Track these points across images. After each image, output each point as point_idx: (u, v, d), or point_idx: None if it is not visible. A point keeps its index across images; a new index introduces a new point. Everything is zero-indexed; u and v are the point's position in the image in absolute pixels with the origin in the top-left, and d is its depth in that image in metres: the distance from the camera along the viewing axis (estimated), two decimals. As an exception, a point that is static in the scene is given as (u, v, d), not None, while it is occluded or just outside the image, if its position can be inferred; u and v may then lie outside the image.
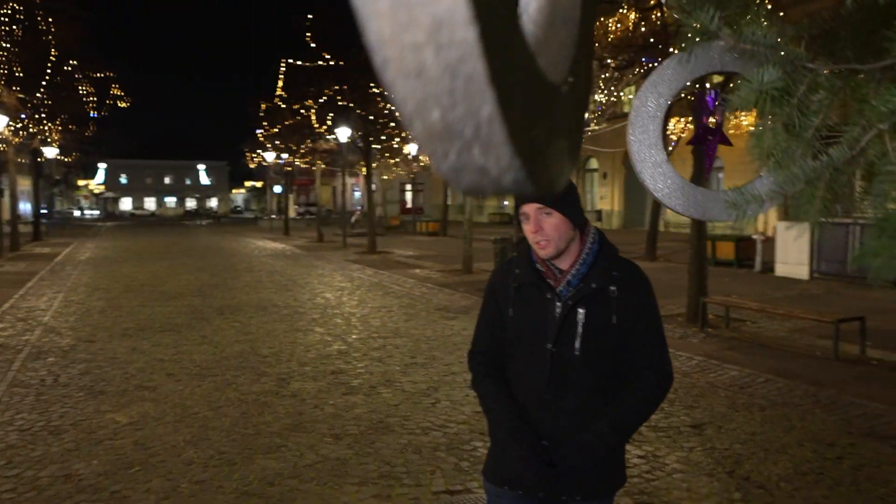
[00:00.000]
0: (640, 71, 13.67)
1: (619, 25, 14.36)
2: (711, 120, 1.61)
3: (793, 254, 14.72)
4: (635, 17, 13.24)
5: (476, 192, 0.52)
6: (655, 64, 14.71)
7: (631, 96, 20.99)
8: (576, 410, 2.09)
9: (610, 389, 2.11)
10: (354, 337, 8.92)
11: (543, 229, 2.03)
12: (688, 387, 6.51)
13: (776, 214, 26.64)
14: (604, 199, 34.85)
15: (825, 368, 7.15)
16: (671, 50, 14.46)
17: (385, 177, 39.67)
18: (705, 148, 1.60)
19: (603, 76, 15.61)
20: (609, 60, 13.51)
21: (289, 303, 11.93)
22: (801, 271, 14.51)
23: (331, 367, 7.33)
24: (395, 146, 27.54)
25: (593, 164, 35.53)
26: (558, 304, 2.08)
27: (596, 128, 20.06)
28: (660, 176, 1.56)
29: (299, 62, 23.54)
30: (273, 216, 48.83)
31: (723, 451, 4.88)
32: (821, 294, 12.29)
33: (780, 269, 15.00)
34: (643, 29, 12.62)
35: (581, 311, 2.06)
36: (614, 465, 2.16)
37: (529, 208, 2.06)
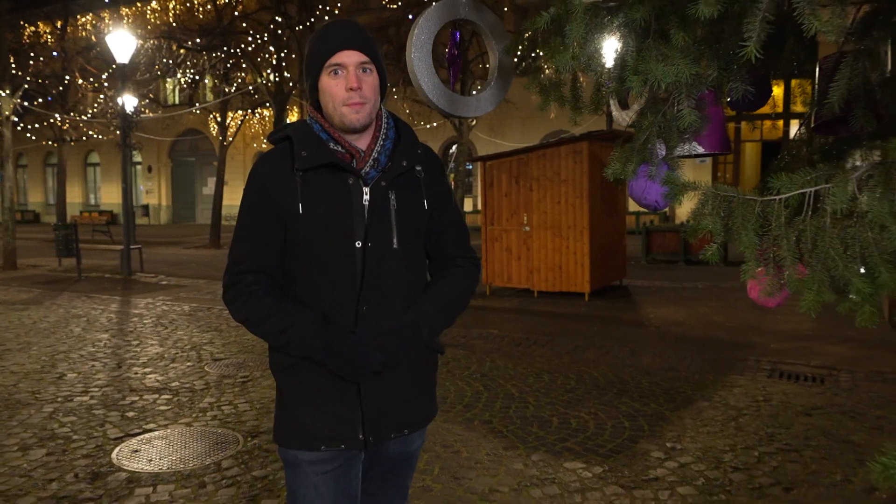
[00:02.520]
0: (218, 55, 13.99)
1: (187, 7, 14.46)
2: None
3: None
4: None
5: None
6: (229, 51, 15.32)
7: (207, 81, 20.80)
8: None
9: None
10: None
11: (362, 88, 1.61)
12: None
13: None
14: (150, 193, 33.37)
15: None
16: (255, 36, 15.27)
17: None
18: (451, 68, 2.42)
19: (176, 57, 15.39)
20: (191, 43, 13.49)
21: None
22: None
23: None
24: None
25: (135, 156, 33.69)
26: (365, 189, 1.65)
27: (150, 114, 19.39)
28: (431, 82, 2.34)
29: None
30: None
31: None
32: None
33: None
34: (213, 14, 13.01)
35: (392, 195, 1.67)
36: (431, 391, 1.84)
37: (349, 58, 1.61)
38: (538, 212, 9.73)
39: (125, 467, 3.73)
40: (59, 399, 4.99)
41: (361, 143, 1.69)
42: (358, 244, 1.64)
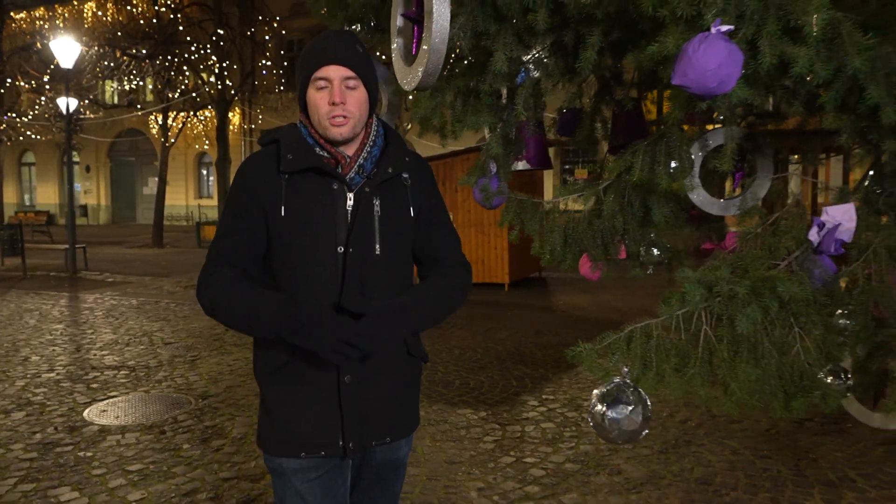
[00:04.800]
0: (159, 62, 14.49)
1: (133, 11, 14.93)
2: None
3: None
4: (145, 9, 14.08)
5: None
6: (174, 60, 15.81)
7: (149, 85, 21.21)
8: None
9: None
10: None
11: (346, 103, 1.64)
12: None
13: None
14: (89, 193, 33.10)
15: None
16: (198, 45, 15.81)
17: None
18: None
19: (119, 63, 15.80)
20: (133, 50, 13.98)
21: None
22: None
23: None
24: None
25: (74, 156, 33.31)
26: (350, 194, 1.69)
27: (91, 116, 19.60)
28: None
29: None
30: None
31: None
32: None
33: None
34: (154, 21, 13.56)
35: (377, 201, 1.69)
36: (414, 402, 1.86)
37: (334, 73, 1.64)
38: (463, 210, 10.71)
39: (96, 422, 4.52)
40: (29, 376, 5.68)
41: (349, 150, 1.72)
42: (340, 249, 1.66)
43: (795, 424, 4.34)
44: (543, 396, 5.04)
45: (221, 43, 16.36)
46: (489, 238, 10.55)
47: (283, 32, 19.36)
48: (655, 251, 3.53)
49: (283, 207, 1.66)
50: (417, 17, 2.09)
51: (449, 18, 1.99)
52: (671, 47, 1.83)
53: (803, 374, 2.16)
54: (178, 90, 17.90)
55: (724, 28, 1.72)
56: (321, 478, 1.71)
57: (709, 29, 1.73)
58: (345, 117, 1.64)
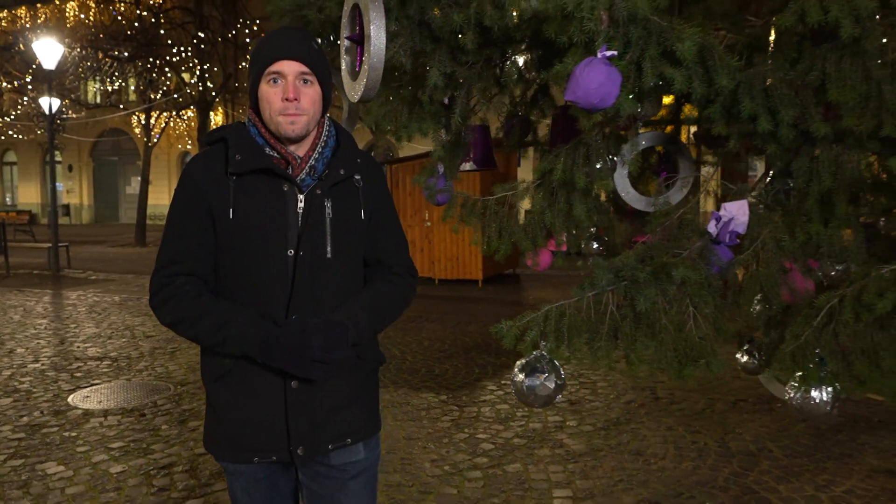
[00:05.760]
0: (141, 64, 14.73)
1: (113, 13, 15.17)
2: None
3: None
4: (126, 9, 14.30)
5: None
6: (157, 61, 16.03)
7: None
8: None
9: None
10: None
11: (300, 100, 1.61)
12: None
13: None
14: (71, 192, 33.12)
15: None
16: (179, 49, 16.03)
17: None
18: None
19: (101, 65, 16.01)
20: (116, 52, 14.20)
21: None
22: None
23: None
24: None
25: (56, 155, 33.27)
26: (301, 196, 1.65)
27: (73, 116, 19.73)
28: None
29: None
30: None
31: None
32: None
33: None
34: (136, 24, 13.82)
35: (328, 203, 1.66)
36: (370, 402, 1.80)
37: (288, 67, 1.61)
38: (439, 209, 11.04)
39: (80, 407, 4.81)
40: (14, 366, 5.96)
41: (300, 151, 1.69)
42: (290, 252, 1.63)
43: (729, 404, 4.72)
44: (502, 381, 5.39)
45: (203, 45, 16.62)
46: (463, 235, 10.88)
47: (264, 35, 19.66)
48: (595, 244, 3.92)
49: (231, 210, 1.63)
50: (359, 39, 2.43)
51: (385, 41, 2.32)
52: (571, 67, 2.18)
53: (694, 346, 2.52)
54: (161, 91, 18.11)
55: (609, 53, 2.07)
56: (268, 477, 1.74)
57: (597, 54, 2.08)
58: (298, 115, 1.62)
